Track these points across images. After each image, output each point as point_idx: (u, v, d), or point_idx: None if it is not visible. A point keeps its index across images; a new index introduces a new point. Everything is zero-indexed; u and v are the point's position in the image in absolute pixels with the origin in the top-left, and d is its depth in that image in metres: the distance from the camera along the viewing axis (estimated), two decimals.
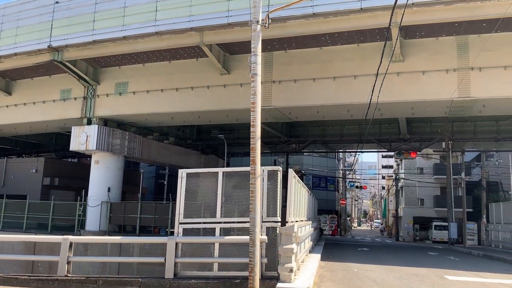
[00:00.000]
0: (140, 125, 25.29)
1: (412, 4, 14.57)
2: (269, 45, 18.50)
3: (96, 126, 22.55)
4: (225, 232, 8.19)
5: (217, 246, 8.03)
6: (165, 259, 7.93)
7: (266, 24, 7.71)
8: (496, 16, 14.68)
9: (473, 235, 29.32)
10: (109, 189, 23.47)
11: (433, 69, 17.62)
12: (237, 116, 21.99)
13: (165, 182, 39.55)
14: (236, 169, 8.60)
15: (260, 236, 7.44)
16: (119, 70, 22.52)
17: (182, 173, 8.50)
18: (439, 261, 15.87)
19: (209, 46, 18.74)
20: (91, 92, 23.02)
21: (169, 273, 7.83)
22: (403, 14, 10.20)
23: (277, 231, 7.96)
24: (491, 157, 35.65)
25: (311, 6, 15.87)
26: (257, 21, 7.63)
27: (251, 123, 7.64)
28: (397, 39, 14.85)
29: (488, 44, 16.18)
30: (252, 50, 7.64)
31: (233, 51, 19.99)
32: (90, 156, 24.83)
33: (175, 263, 7.92)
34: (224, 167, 26.50)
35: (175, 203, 8.71)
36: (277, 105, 19.58)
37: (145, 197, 35.03)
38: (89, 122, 22.87)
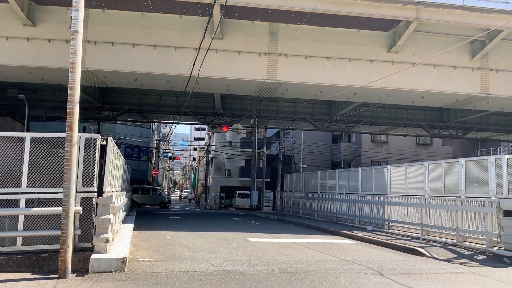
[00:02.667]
0: None
1: None
2: (85, 0, 16.93)
3: None
4: (33, 203, 7.41)
5: (21, 218, 7.21)
6: None
7: None
8: (303, 9, 16.63)
9: (269, 202, 33.22)
10: None
11: (248, 51, 18.96)
12: (43, 75, 19.65)
13: None
14: (48, 135, 7.78)
15: (74, 207, 7.01)
16: None
17: None
18: (243, 225, 17.56)
19: None
20: None
21: None
22: None
23: (93, 202, 7.62)
24: (288, 134, 40.56)
25: None
26: None
27: (69, 86, 7.04)
28: (220, 18, 15.42)
29: (295, 34, 18.20)
30: (74, 4, 6.99)
31: (41, 1, 17.66)
32: None
33: None
34: (24, 131, 23.47)
35: None
36: (92, 67, 18.25)
37: None
38: None
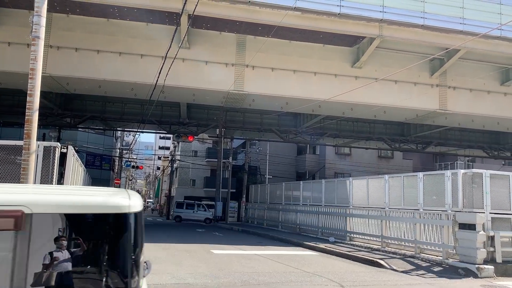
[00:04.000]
0: None
1: None
2: (48, 5, 16.44)
3: None
4: None
5: None
6: None
7: None
8: (270, 23, 16.83)
9: (234, 213, 33.07)
10: None
11: (215, 61, 18.96)
12: (1, 79, 18.92)
13: None
14: (3, 142, 7.50)
15: None
16: None
17: None
18: (207, 237, 17.40)
19: None
20: None
21: None
22: (197, 4, 10.69)
23: None
24: (254, 145, 40.71)
25: None
26: None
27: (29, 92, 6.85)
28: (188, 27, 15.39)
29: (262, 47, 18.38)
30: (36, 10, 6.82)
31: (1, 3, 17.04)
32: None
33: None
34: None
35: None
36: (54, 73, 17.73)
37: None
38: None
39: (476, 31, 17.13)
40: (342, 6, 16.81)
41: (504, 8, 17.97)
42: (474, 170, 10.80)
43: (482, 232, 9.68)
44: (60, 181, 8.37)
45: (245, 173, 34.35)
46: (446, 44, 17.96)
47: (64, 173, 8.46)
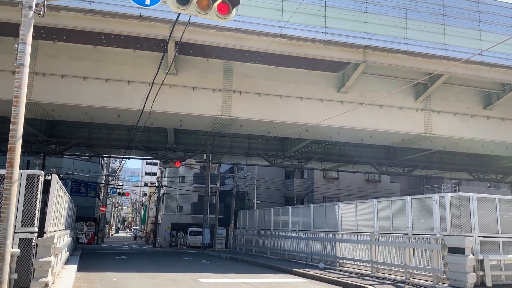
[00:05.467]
0: None
1: (188, 23, 15.50)
2: (35, 32, 16.43)
3: None
4: None
5: None
6: None
7: (41, 13, 6.96)
8: (257, 49, 17.03)
9: (222, 240, 32.60)
10: None
11: (202, 87, 19.02)
12: None
13: None
14: None
15: (12, 249, 6.53)
16: None
17: None
18: (194, 265, 17.05)
19: None
20: None
21: None
22: (184, 32, 10.78)
23: (33, 243, 7.15)
24: (242, 170, 40.56)
25: (88, 1, 15.11)
26: (30, 7, 6.81)
27: (12, 120, 6.73)
28: (175, 54, 15.47)
29: (249, 72, 18.53)
30: (21, 38, 6.78)
31: None
32: None
33: None
34: None
35: None
36: (39, 100, 17.59)
37: None
38: None
39: (458, 56, 17.56)
40: (327, 33, 17.11)
41: (484, 35, 18.49)
42: (461, 193, 10.85)
43: (471, 256, 9.65)
44: (44, 209, 8.18)
45: (233, 198, 34.08)
46: (429, 69, 18.34)
47: (48, 201, 8.28)
